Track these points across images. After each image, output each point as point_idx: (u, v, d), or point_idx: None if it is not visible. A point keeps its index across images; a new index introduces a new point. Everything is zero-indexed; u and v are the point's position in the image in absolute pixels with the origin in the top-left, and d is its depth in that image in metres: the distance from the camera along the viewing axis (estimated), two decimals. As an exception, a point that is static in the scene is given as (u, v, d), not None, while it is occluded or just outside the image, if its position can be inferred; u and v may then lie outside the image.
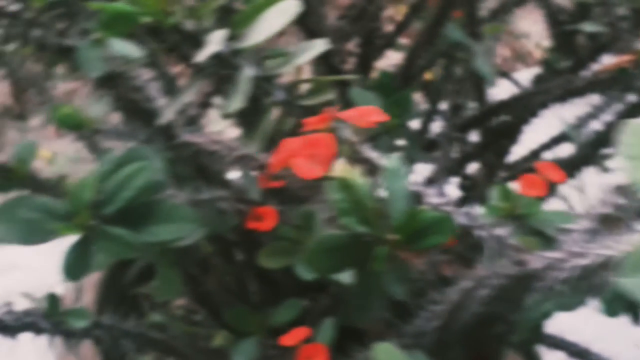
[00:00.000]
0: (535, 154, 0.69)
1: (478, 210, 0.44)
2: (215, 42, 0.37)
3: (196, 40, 0.39)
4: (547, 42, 0.66)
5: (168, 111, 0.41)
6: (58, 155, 1.71)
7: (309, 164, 0.33)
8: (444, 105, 0.70)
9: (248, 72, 0.37)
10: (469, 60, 0.59)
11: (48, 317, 0.46)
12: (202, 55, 0.37)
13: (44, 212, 0.38)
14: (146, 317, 0.74)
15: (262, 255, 0.53)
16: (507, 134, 0.63)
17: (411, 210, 0.36)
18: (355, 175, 0.36)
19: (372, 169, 0.38)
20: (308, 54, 0.38)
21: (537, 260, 0.39)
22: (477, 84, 0.62)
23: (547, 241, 0.45)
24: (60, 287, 1.04)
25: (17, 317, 0.45)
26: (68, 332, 0.48)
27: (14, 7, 0.38)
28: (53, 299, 0.46)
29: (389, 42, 0.71)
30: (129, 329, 0.50)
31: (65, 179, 0.59)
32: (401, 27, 0.71)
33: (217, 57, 0.38)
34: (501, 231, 0.40)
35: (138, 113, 0.46)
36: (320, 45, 0.38)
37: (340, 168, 0.34)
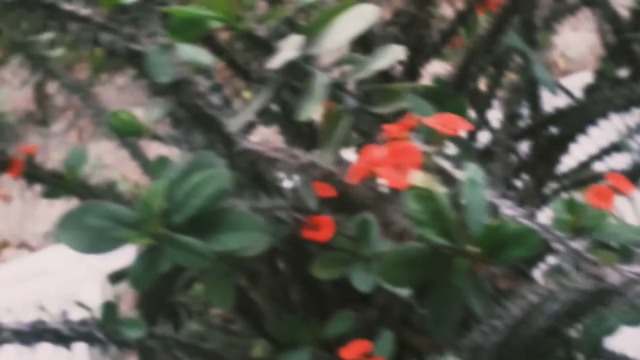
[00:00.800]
0: (585, 165, 0.68)
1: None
2: (291, 48, 0.36)
3: (268, 46, 0.38)
4: (599, 51, 0.65)
5: (238, 119, 0.40)
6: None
7: (396, 173, 0.32)
8: (491, 114, 0.69)
9: (323, 79, 0.36)
10: (525, 68, 0.58)
11: (103, 327, 0.45)
12: (276, 62, 0.36)
13: (112, 220, 0.37)
14: (183, 325, 0.73)
15: (315, 265, 0.52)
16: (561, 143, 0.62)
17: (493, 223, 0.34)
18: (433, 185, 0.35)
19: (447, 179, 0.37)
20: (383, 60, 0.37)
21: (616, 274, 0.37)
22: (532, 92, 0.61)
23: (621, 255, 0.44)
24: (89, 293, 1.04)
25: (72, 326, 0.44)
26: (122, 342, 0.47)
27: (84, 12, 0.37)
28: (109, 309, 0.45)
29: (436, 50, 0.70)
30: (182, 340, 0.49)
31: (114, 186, 0.59)
32: (447, 35, 0.71)
33: (288, 64, 0.37)
34: (578, 244, 0.39)
35: (198, 119, 0.46)
36: (396, 52, 0.37)
37: (419, 178, 0.33)
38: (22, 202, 1.73)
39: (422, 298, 0.55)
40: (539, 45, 0.60)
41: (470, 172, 0.36)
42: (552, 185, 0.67)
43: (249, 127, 0.49)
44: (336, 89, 0.37)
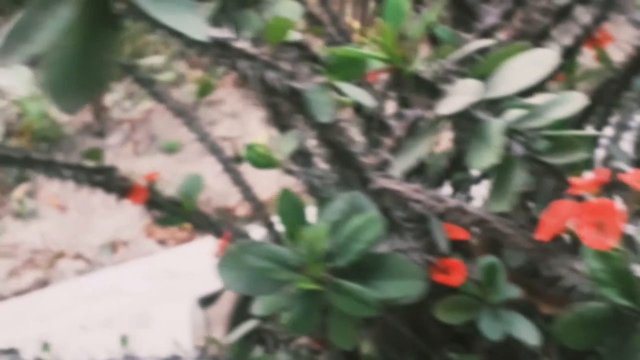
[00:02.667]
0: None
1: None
2: (466, 92, 0.35)
3: (434, 89, 0.38)
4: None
5: (400, 163, 0.39)
6: (134, 174, 1.72)
7: (596, 233, 0.30)
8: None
9: (498, 125, 0.35)
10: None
11: (234, 364, 0.44)
12: (450, 107, 0.35)
13: (272, 261, 0.36)
14: (271, 354, 0.72)
15: (439, 308, 0.50)
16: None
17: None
18: (614, 243, 0.33)
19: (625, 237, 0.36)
20: (565, 108, 0.36)
21: None
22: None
23: None
24: (161, 312, 1.04)
25: (206, 362, 0.44)
26: (249, 379, 0.46)
27: (253, 50, 0.36)
28: (241, 345, 0.44)
29: (541, 86, 0.69)
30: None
31: (225, 214, 0.58)
32: (553, 71, 0.69)
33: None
34: None
35: (338, 156, 0.45)
36: (579, 100, 0.36)
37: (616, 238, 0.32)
38: (77, 213, 1.74)
39: (550, 348, 0.53)
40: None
41: (649, 230, 0.34)
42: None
43: (384, 164, 0.48)
44: (506, 136, 0.36)
